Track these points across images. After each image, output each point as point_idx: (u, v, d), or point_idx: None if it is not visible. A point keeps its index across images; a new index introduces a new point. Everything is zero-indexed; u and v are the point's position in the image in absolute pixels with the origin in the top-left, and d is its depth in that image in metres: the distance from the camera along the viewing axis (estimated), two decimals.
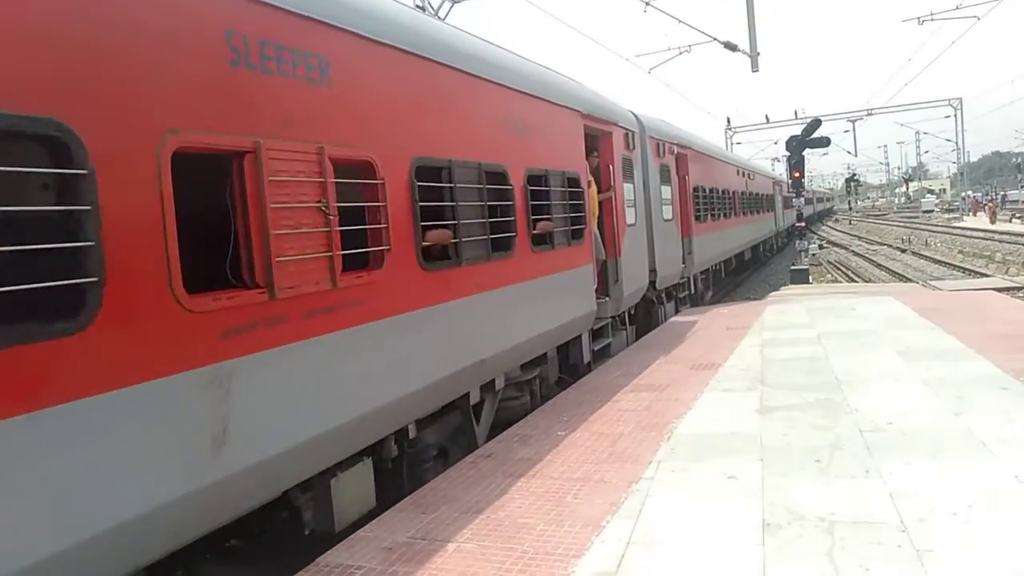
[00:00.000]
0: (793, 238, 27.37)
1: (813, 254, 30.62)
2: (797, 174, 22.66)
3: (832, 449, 5.73)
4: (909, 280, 22.84)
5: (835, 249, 41.06)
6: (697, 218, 17.23)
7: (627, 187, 11.75)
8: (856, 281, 24.75)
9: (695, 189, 17.34)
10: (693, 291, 17.21)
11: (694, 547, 4.28)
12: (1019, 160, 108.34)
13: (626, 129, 11.98)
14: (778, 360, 9.32)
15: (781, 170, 47.67)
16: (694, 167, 17.30)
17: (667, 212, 14.42)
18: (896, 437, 5.88)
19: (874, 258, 32.74)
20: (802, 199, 24.12)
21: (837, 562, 3.94)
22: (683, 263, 15.78)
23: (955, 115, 61.29)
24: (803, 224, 25.15)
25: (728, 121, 57.44)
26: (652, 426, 6.86)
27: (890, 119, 64.87)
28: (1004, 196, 66.64)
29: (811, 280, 22.37)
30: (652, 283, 13.18)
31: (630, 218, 11.76)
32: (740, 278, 26.40)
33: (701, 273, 18.09)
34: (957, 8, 34.56)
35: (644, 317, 13.58)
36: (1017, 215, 52.84)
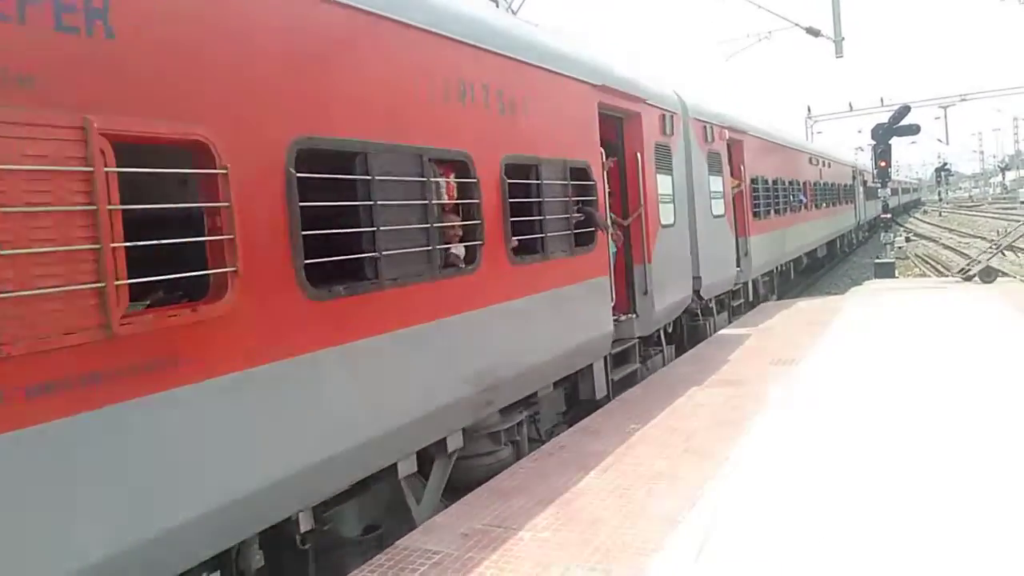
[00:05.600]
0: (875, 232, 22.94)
1: (899, 247, 29.11)
2: (883, 164, 21.65)
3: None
4: (1006, 275, 21.57)
5: (923, 242, 39.09)
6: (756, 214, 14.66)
7: (662, 178, 9.61)
8: (946, 276, 23.53)
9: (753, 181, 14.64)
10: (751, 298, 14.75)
11: (772, 545, 4.21)
12: None
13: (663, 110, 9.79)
14: (860, 356, 9.00)
15: (865, 160, 45.11)
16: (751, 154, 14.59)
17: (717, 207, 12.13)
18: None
19: (967, 252, 30.99)
20: (888, 189, 22.75)
21: None
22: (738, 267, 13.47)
23: None
24: (889, 215, 23.81)
25: (808, 109, 55.32)
26: (728, 422, 6.74)
27: (986, 105, 61.13)
28: None
29: (897, 275, 21.35)
30: (697, 292, 10.90)
31: (667, 217, 9.64)
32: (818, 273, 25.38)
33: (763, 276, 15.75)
34: None
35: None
36: None
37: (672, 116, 10.03)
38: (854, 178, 32.57)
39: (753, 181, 14.65)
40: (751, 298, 14.60)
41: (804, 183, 20.52)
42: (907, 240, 37.49)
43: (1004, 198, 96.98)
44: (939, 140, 63.17)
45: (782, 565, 4.00)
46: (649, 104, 9.23)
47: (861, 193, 34.01)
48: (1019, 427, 5.84)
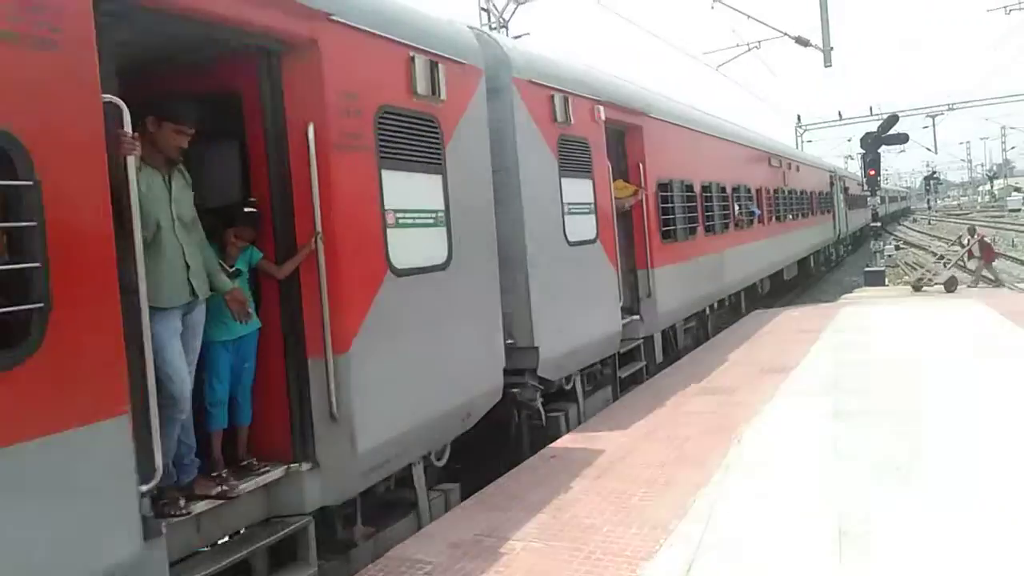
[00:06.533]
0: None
1: (889, 255, 29.16)
2: (872, 172, 21.81)
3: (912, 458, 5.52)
4: (994, 282, 21.69)
5: (913, 250, 39.31)
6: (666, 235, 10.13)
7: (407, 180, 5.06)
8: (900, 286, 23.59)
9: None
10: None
11: (766, 553, 4.19)
12: None
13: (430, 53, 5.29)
14: (853, 364, 9.02)
15: (854, 168, 45.09)
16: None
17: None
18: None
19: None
20: (878, 198, 22.68)
21: None
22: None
23: None
24: (879, 224, 23.85)
25: (798, 119, 55.67)
26: (720, 429, 6.73)
27: (974, 114, 61.58)
28: None
29: (887, 282, 21.47)
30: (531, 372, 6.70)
31: (421, 254, 5.16)
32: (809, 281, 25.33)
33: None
34: None
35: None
36: None
37: (447, 66, 5.45)
38: (832, 184, 28.84)
39: (664, 187, 10.15)
40: (659, 358, 9.83)
41: (758, 190, 16.02)
42: (897, 248, 37.68)
43: (992, 206, 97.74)
44: (927, 149, 63.70)
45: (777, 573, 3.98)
46: (348, 26, 4.59)
47: (842, 202, 30.86)
48: None
